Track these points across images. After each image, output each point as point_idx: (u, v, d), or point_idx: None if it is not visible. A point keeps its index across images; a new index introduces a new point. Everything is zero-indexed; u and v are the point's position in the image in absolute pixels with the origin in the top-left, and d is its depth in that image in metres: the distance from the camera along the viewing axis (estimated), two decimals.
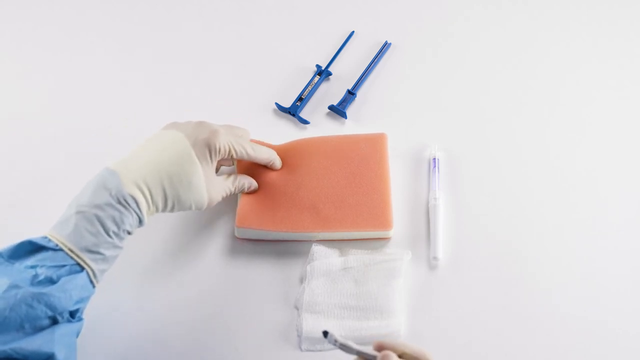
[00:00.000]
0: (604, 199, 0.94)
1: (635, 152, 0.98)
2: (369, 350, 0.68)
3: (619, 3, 1.13)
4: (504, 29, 1.11)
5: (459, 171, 0.97)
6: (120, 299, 0.87)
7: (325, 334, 0.68)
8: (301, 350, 0.83)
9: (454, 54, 1.09)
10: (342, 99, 1.04)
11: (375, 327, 0.83)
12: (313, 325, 0.83)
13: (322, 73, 1.06)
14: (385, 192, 0.91)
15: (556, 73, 1.06)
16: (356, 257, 0.89)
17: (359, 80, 1.05)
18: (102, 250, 0.75)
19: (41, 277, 0.72)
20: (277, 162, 0.94)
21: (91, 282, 0.75)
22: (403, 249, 0.90)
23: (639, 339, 0.84)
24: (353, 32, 1.11)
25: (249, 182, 0.92)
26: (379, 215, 0.90)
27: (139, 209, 0.78)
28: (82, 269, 0.74)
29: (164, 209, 0.81)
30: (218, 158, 0.84)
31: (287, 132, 1.01)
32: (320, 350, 0.83)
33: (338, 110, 1.03)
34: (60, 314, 0.72)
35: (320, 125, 1.03)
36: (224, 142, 0.84)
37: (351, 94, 1.04)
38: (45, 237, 0.74)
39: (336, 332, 0.79)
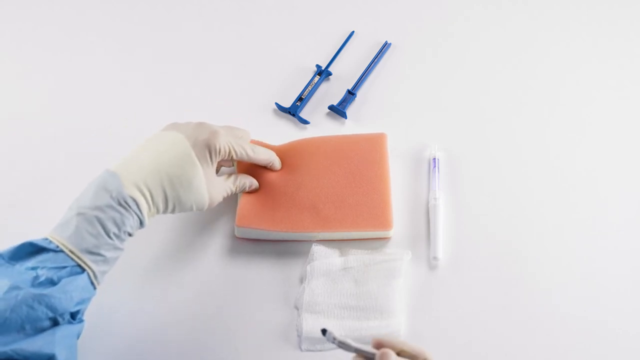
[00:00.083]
0: (604, 199, 0.94)
1: (635, 152, 0.98)
2: (368, 347, 0.68)
3: (619, 3, 1.13)
4: (504, 29, 1.11)
5: (459, 171, 0.97)
6: (120, 299, 0.87)
7: (324, 332, 0.68)
8: (301, 350, 0.83)
9: (454, 54, 1.09)
10: (342, 99, 1.04)
11: (375, 327, 0.83)
12: (313, 325, 0.84)
13: (322, 73, 1.06)
14: (385, 192, 0.91)
15: (556, 73, 1.06)
16: (356, 257, 0.89)
17: (359, 80, 1.05)
18: (102, 252, 0.75)
19: (42, 279, 0.72)
20: (277, 163, 0.94)
21: (92, 283, 0.75)
22: (403, 249, 0.90)
23: (639, 339, 0.84)
24: (353, 32, 1.11)
25: (249, 181, 0.92)
26: (379, 215, 0.90)
27: (140, 210, 0.78)
28: (83, 270, 0.74)
29: (165, 211, 0.81)
30: (218, 159, 0.84)
31: (287, 132, 1.01)
32: (320, 350, 0.83)
33: (338, 110, 1.03)
34: (61, 315, 0.72)
35: (320, 125, 1.03)
36: (224, 143, 0.84)
37: (351, 94, 1.04)
38: (46, 239, 0.74)
39: (335, 330, 0.79)
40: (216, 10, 1.15)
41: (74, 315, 0.74)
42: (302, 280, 0.88)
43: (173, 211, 0.82)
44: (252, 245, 0.91)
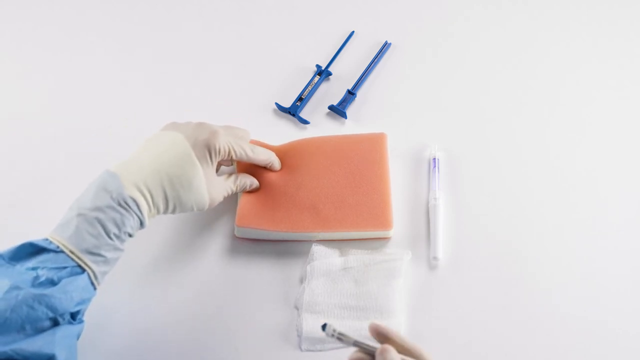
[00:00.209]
0: (604, 199, 0.94)
1: (635, 152, 0.98)
2: (368, 341, 0.68)
3: (619, 3, 1.13)
4: (504, 29, 1.11)
5: (459, 171, 0.97)
6: (120, 299, 0.87)
7: (324, 327, 0.67)
8: (301, 350, 0.83)
9: (454, 54, 1.09)
10: (342, 99, 1.04)
11: None
12: (313, 325, 0.84)
13: (322, 73, 1.06)
14: (385, 192, 0.91)
15: (556, 73, 1.06)
16: (356, 257, 0.89)
17: (359, 80, 1.05)
18: (103, 252, 0.75)
19: (42, 279, 0.72)
20: (276, 164, 0.94)
21: (92, 284, 0.75)
22: (403, 249, 0.90)
23: (639, 339, 0.84)
24: (353, 32, 1.11)
25: (250, 180, 0.92)
26: (379, 215, 0.90)
27: (140, 211, 0.78)
28: (83, 270, 0.74)
29: (165, 211, 0.81)
30: (218, 159, 0.84)
31: (287, 132, 1.01)
32: (320, 350, 0.83)
33: (338, 110, 1.03)
34: (61, 315, 0.72)
35: (320, 125, 1.03)
36: (223, 143, 0.84)
37: (351, 94, 1.04)
38: (47, 239, 0.74)
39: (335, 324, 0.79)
40: (216, 10, 1.15)
41: (74, 316, 0.74)
42: (302, 280, 0.88)
43: (173, 211, 0.82)
44: (252, 245, 0.91)
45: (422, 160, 0.98)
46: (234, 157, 0.87)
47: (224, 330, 0.85)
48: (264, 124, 1.02)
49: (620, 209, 0.93)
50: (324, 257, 0.89)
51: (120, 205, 0.76)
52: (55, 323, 0.72)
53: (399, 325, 0.83)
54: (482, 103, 1.04)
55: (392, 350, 0.66)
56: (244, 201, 0.91)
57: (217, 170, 0.92)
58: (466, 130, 1.01)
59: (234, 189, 0.90)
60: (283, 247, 0.91)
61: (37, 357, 0.70)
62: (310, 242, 0.90)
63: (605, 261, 0.89)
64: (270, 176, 0.93)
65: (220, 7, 1.15)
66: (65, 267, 0.73)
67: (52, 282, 0.72)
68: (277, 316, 0.86)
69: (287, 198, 0.91)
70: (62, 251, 0.73)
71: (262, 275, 0.89)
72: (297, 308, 0.86)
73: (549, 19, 1.12)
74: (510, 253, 0.90)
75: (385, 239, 0.91)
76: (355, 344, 0.67)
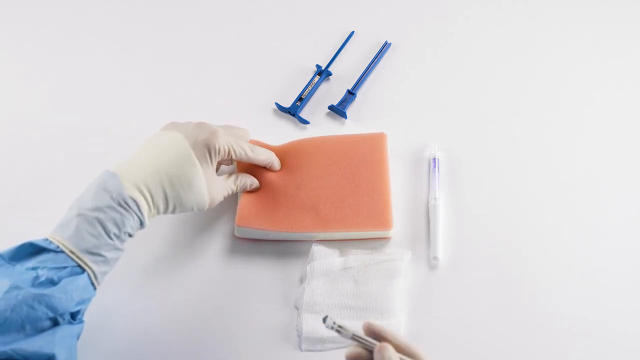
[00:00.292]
0: (604, 199, 0.94)
1: (635, 152, 0.98)
2: (368, 337, 0.68)
3: (619, 3, 1.13)
4: (504, 29, 1.11)
5: (459, 171, 0.97)
6: (120, 299, 0.87)
7: (325, 319, 0.67)
8: (301, 350, 0.83)
9: (454, 54, 1.09)
10: (342, 99, 1.04)
11: None
12: (313, 325, 0.84)
13: (322, 73, 1.06)
14: (385, 192, 0.91)
15: (556, 73, 1.06)
16: (356, 257, 0.89)
17: (359, 80, 1.05)
18: (103, 252, 0.75)
19: (42, 279, 0.72)
20: (276, 164, 0.94)
21: (92, 284, 0.75)
22: (403, 249, 0.90)
23: (639, 339, 0.84)
24: (353, 32, 1.11)
25: (250, 180, 0.92)
26: (379, 215, 0.90)
27: (140, 211, 0.78)
28: (83, 270, 0.74)
29: (165, 211, 0.81)
30: (218, 159, 0.84)
31: (287, 132, 1.01)
32: (320, 350, 0.83)
33: (338, 110, 1.03)
34: (61, 315, 0.72)
35: (320, 125, 1.03)
36: (223, 143, 0.84)
37: (351, 94, 1.04)
38: (47, 239, 0.74)
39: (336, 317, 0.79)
40: (216, 10, 1.15)
41: (74, 316, 0.74)
42: (302, 280, 0.88)
43: (173, 211, 0.82)
44: (252, 245, 0.91)
45: (422, 160, 0.98)
46: (233, 157, 0.87)
47: (224, 330, 0.85)
48: (264, 124, 1.02)
49: (620, 209, 0.93)
50: (324, 257, 0.89)
51: (120, 205, 0.76)
52: (55, 323, 0.72)
53: (399, 325, 0.83)
54: (482, 103, 1.04)
55: (390, 349, 0.66)
56: (244, 201, 0.91)
57: (217, 170, 0.92)
58: (466, 130, 1.01)
59: (234, 188, 0.90)
60: (283, 247, 0.91)
61: (37, 357, 0.70)
62: (310, 242, 0.90)
63: (605, 261, 0.89)
64: (270, 176, 0.93)
65: (220, 7, 1.15)
66: (65, 267, 0.73)
67: (52, 282, 0.72)
68: (277, 316, 0.86)
69: (287, 198, 0.91)
70: (62, 251, 0.73)
71: (262, 275, 0.89)
72: (297, 308, 0.86)
73: (549, 19, 1.12)
74: (510, 253, 0.90)
75: (385, 239, 0.91)
76: (354, 337, 0.67)
